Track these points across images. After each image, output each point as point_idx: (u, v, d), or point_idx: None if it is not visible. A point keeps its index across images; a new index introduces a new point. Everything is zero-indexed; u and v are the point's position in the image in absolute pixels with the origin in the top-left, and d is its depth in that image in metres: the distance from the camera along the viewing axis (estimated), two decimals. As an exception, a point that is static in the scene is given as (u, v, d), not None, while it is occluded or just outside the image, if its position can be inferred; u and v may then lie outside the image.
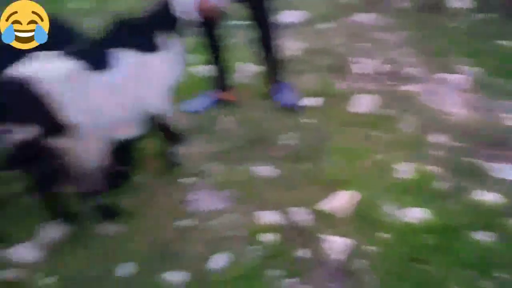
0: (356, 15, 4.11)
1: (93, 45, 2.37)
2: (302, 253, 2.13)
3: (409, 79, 3.31)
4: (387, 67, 3.42)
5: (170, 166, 2.65)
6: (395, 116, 2.96)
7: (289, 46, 3.85)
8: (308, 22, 4.21)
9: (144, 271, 2.07)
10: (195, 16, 2.54)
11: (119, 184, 2.53)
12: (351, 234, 2.18)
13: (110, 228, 2.29)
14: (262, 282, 1.98)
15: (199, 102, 3.22)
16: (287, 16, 4.31)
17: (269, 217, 2.29)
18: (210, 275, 2.04)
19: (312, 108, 3.11)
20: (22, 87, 1.97)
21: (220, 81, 3.25)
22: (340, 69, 3.47)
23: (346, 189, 2.40)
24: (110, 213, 2.34)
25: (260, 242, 2.16)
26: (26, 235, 2.28)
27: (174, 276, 2.03)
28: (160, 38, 2.45)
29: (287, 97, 3.16)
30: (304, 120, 3.00)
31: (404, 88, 3.21)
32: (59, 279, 2.06)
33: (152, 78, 2.41)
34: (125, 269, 2.08)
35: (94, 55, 2.24)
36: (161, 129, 2.59)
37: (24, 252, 2.19)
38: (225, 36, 3.18)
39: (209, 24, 3.00)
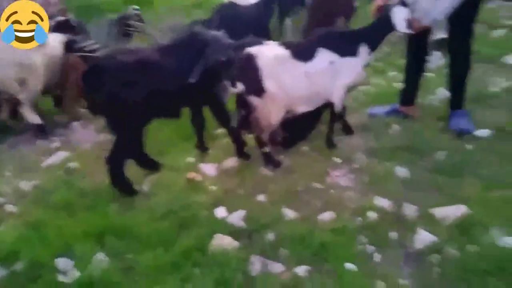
0: None
1: (305, 42, 3.23)
2: (392, 235, 2.51)
3: None
4: None
5: (329, 145, 3.31)
6: None
7: (495, 82, 3.95)
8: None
9: (273, 202, 2.83)
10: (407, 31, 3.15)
11: (288, 145, 3.35)
12: (442, 236, 2.43)
13: (265, 171, 3.13)
14: (349, 241, 2.48)
15: (382, 109, 3.73)
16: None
17: (382, 202, 2.73)
18: (316, 222, 2.64)
19: (481, 139, 3.24)
20: (246, 59, 2.98)
21: (407, 96, 3.68)
22: (535, 113, 3.43)
23: (464, 205, 2.59)
24: (270, 161, 3.17)
25: (365, 216, 2.64)
26: (213, 161, 3.32)
27: (289, 213, 2.71)
28: (361, 47, 3.15)
29: (461, 122, 3.37)
30: (467, 146, 3.19)
31: None
32: (218, 189, 3.01)
33: (339, 76, 3.13)
34: (261, 198, 2.87)
35: (303, 48, 3.11)
36: (331, 116, 3.28)
37: (208, 168, 3.23)
38: (428, 58, 3.58)
39: (416, 41, 3.49)
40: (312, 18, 5.49)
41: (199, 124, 3.37)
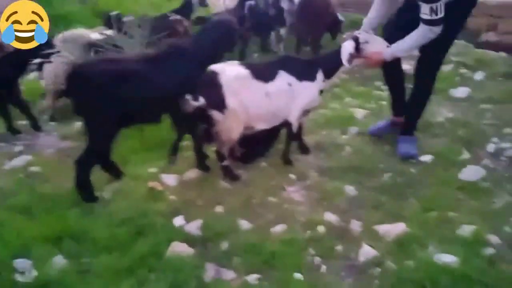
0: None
1: (266, 64, 3.45)
2: (338, 248, 2.71)
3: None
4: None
5: (285, 162, 3.51)
6: (495, 191, 3.16)
7: (440, 113, 4.29)
8: (472, 100, 4.51)
9: (229, 213, 2.99)
10: (346, 64, 3.38)
11: (247, 161, 3.53)
12: (383, 251, 2.64)
13: (223, 183, 3.30)
14: (298, 251, 2.65)
15: (378, 126, 3.99)
16: (457, 91, 4.70)
17: (331, 217, 2.93)
18: (268, 233, 2.80)
19: (424, 164, 3.52)
20: (210, 76, 3.16)
21: (398, 107, 3.91)
22: (473, 144, 3.75)
23: (405, 223, 2.83)
24: (229, 174, 3.34)
25: (314, 230, 2.82)
26: (174, 172, 3.45)
27: (243, 223, 2.88)
28: (317, 74, 3.39)
29: (408, 147, 3.64)
30: (410, 169, 3.46)
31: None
32: (178, 199, 3.15)
33: (297, 97, 3.36)
34: (219, 208, 3.03)
35: (264, 70, 3.32)
36: (288, 135, 3.49)
37: (169, 179, 3.35)
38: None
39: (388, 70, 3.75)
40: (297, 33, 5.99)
41: (181, 130, 3.54)
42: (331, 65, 3.43)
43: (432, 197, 3.11)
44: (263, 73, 3.26)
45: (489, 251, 2.60)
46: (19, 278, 2.45)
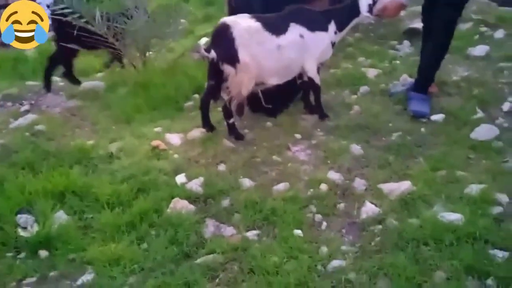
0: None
1: (278, 16, 3.36)
2: (340, 205, 2.66)
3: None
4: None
5: (320, 116, 3.54)
6: (508, 150, 3.04)
7: (456, 71, 4.13)
8: (491, 59, 4.31)
9: (232, 172, 2.96)
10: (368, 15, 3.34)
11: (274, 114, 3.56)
12: (386, 209, 2.58)
13: (227, 142, 3.27)
14: (299, 209, 2.61)
15: (402, 87, 3.85)
16: (475, 49, 4.50)
17: (334, 176, 2.87)
18: (270, 191, 2.77)
19: (435, 123, 3.41)
20: (222, 28, 3.11)
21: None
22: (488, 103, 3.59)
23: (411, 182, 2.75)
24: (234, 132, 3.33)
25: (317, 188, 2.78)
26: (180, 131, 3.41)
27: (246, 182, 2.85)
28: (329, 25, 3.37)
29: (420, 105, 3.51)
30: (420, 128, 3.35)
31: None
32: (181, 157, 3.13)
33: (309, 49, 3.31)
34: (222, 167, 3.00)
35: (275, 22, 3.26)
36: (304, 88, 3.48)
37: (173, 138, 3.34)
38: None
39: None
40: None
41: None
42: (344, 17, 3.41)
43: (441, 156, 3.01)
44: (275, 26, 3.20)
45: (497, 210, 2.51)
46: (21, 233, 2.48)
